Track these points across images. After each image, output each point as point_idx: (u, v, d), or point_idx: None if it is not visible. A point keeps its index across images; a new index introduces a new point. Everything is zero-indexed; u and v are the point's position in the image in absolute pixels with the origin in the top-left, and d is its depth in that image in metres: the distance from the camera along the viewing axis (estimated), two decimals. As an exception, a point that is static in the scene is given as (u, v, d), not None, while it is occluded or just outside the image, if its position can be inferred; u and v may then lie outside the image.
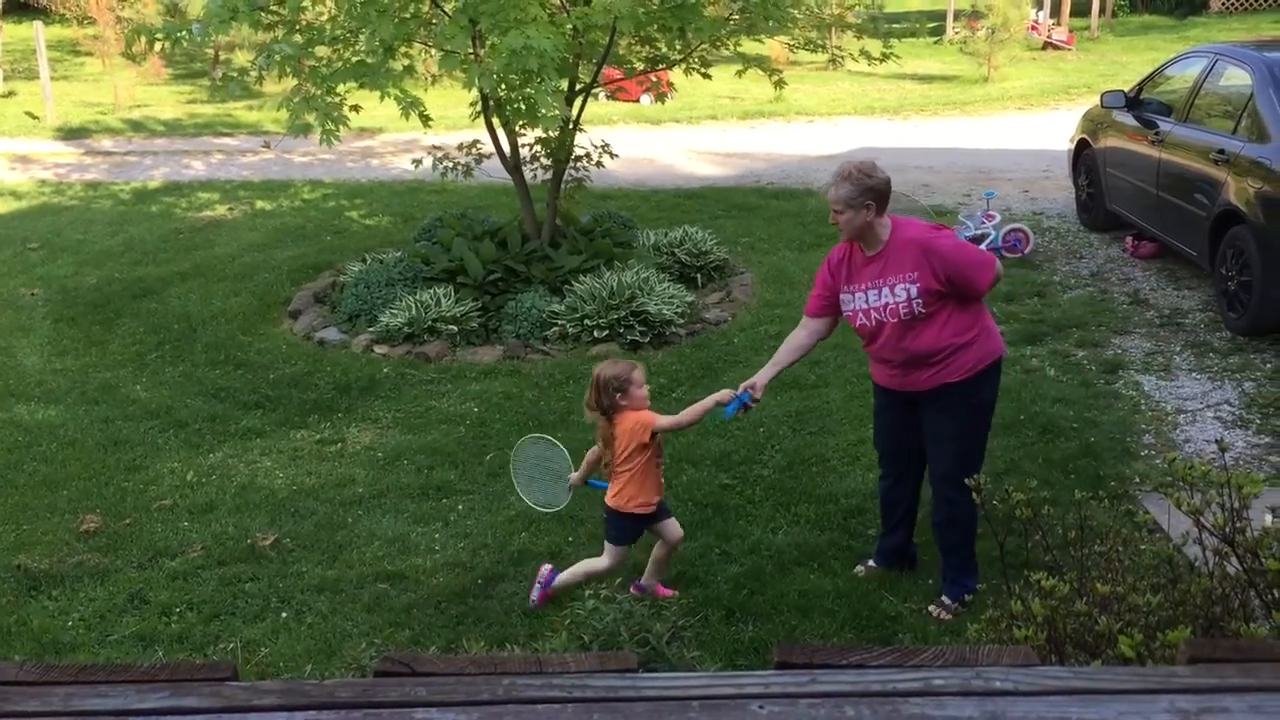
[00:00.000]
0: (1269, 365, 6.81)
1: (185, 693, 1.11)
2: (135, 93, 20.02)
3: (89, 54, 22.06)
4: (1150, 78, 9.52)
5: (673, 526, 4.73)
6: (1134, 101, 9.18)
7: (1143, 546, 3.74)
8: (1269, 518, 2.68)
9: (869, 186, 4.26)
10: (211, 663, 1.17)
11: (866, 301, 4.40)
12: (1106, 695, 1.11)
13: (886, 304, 4.34)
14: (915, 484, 4.84)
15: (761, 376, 4.54)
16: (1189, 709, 1.08)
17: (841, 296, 4.50)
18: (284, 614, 4.78)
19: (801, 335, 4.69)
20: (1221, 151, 7.46)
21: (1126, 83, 10.75)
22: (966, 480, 3.38)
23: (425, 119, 7.57)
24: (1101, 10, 24.26)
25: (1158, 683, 1.13)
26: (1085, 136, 10.09)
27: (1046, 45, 22.64)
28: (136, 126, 18.01)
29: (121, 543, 5.43)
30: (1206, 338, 7.35)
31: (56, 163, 15.40)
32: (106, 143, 16.97)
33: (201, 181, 13.85)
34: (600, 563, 4.70)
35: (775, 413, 6.49)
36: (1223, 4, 24.68)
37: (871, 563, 4.91)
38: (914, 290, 4.27)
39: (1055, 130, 13.27)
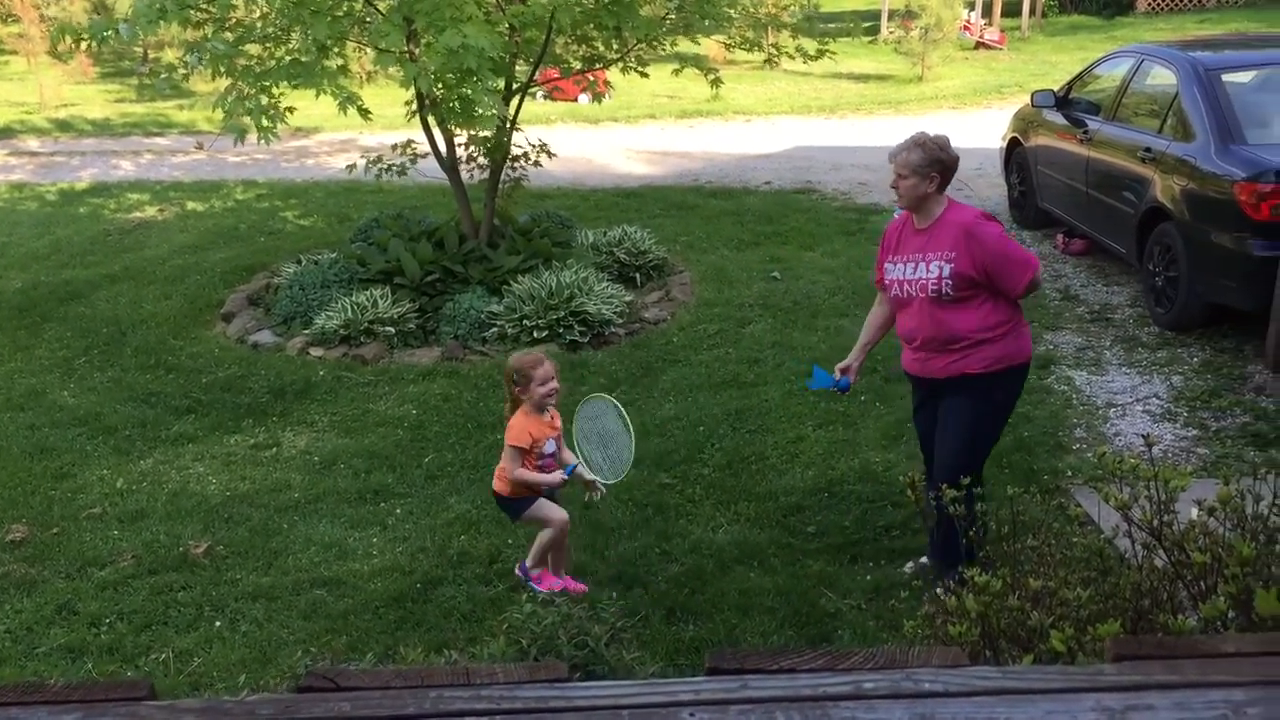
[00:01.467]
0: (1195, 359, 6.95)
1: (99, 713, 1.07)
2: (62, 92, 19.62)
3: (13, 52, 21.57)
4: (1079, 77, 9.68)
5: (549, 510, 4.73)
6: (1063, 101, 9.32)
7: (1074, 540, 3.78)
8: (1195, 511, 2.72)
9: (938, 159, 4.31)
10: (127, 681, 1.14)
11: (903, 274, 4.44)
12: (1034, 695, 1.11)
13: (920, 278, 4.37)
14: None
15: (854, 359, 4.81)
16: (1115, 707, 1.09)
17: (886, 265, 4.57)
18: (218, 623, 4.70)
19: (878, 311, 4.82)
20: (1148, 150, 7.60)
21: (1056, 82, 10.93)
22: (899, 474, 3.40)
23: (364, 113, 7.49)
24: (1032, 10, 24.65)
25: (1084, 681, 1.14)
26: (1016, 135, 10.23)
27: (979, 45, 22.96)
28: (63, 126, 17.64)
29: (49, 552, 5.31)
30: (1135, 333, 7.49)
31: (-21, 163, 15.03)
32: (32, 143, 16.60)
33: (131, 182, 13.59)
34: (541, 535, 4.72)
35: (714, 412, 6.51)
36: (1149, 4, 25.18)
37: (924, 559, 4.81)
38: (947, 270, 4.28)
39: (987, 129, 13.44)
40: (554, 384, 4.61)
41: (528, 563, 4.77)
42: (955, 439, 4.47)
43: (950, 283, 4.29)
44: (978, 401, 4.44)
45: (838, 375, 4.84)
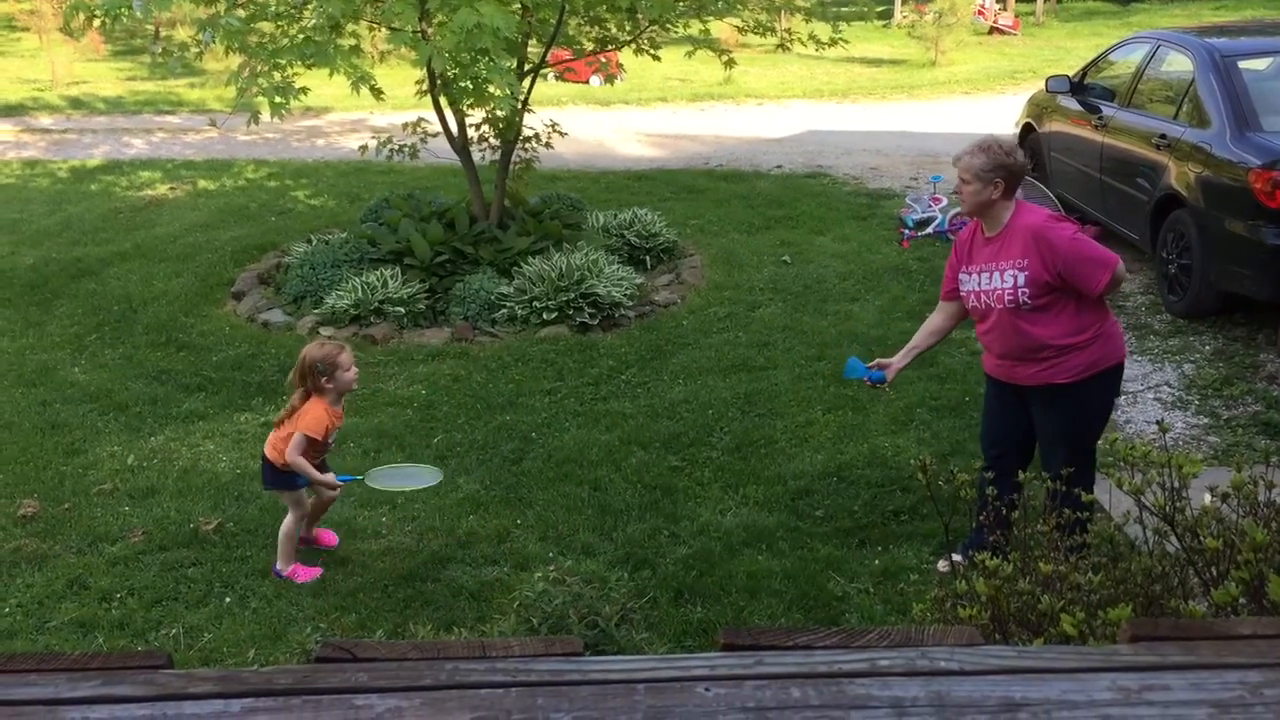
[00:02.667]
0: (1208, 347, 6.93)
1: (118, 681, 1.08)
2: (74, 69, 19.62)
3: (25, 29, 21.57)
4: (1094, 63, 9.62)
5: (304, 497, 4.92)
6: (1078, 86, 9.27)
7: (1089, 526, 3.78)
8: (1207, 497, 2.71)
9: (1003, 164, 4.14)
10: (145, 651, 1.15)
11: (978, 284, 4.30)
12: (1050, 674, 1.11)
13: (995, 289, 4.22)
14: (1012, 479, 4.58)
15: (897, 359, 4.62)
16: (1131, 686, 1.09)
17: (960, 276, 4.42)
18: (228, 599, 4.72)
19: (937, 319, 4.65)
20: (1163, 136, 7.56)
21: (1071, 68, 10.87)
22: (908, 459, 3.37)
23: (377, 92, 7.47)
24: (1047, -4, 24.53)
25: (1100, 661, 1.14)
26: (1030, 121, 10.18)
27: (993, 30, 22.85)
28: (76, 104, 17.65)
29: (60, 528, 5.33)
30: (1147, 320, 7.46)
31: (-8, 140, 15.05)
32: (45, 120, 16.63)
33: (143, 160, 13.60)
34: (286, 522, 4.87)
35: (724, 395, 6.50)
36: (1165, -9, 25.04)
37: (957, 556, 4.47)
38: (1022, 278, 4.14)
39: (1001, 115, 13.39)
40: (355, 370, 4.80)
41: (279, 566, 4.86)
42: (1059, 451, 4.29)
43: (1027, 291, 4.14)
44: (1073, 413, 4.30)
45: (872, 365, 4.68)
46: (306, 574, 4.84)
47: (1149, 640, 1.19)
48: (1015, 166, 4.18)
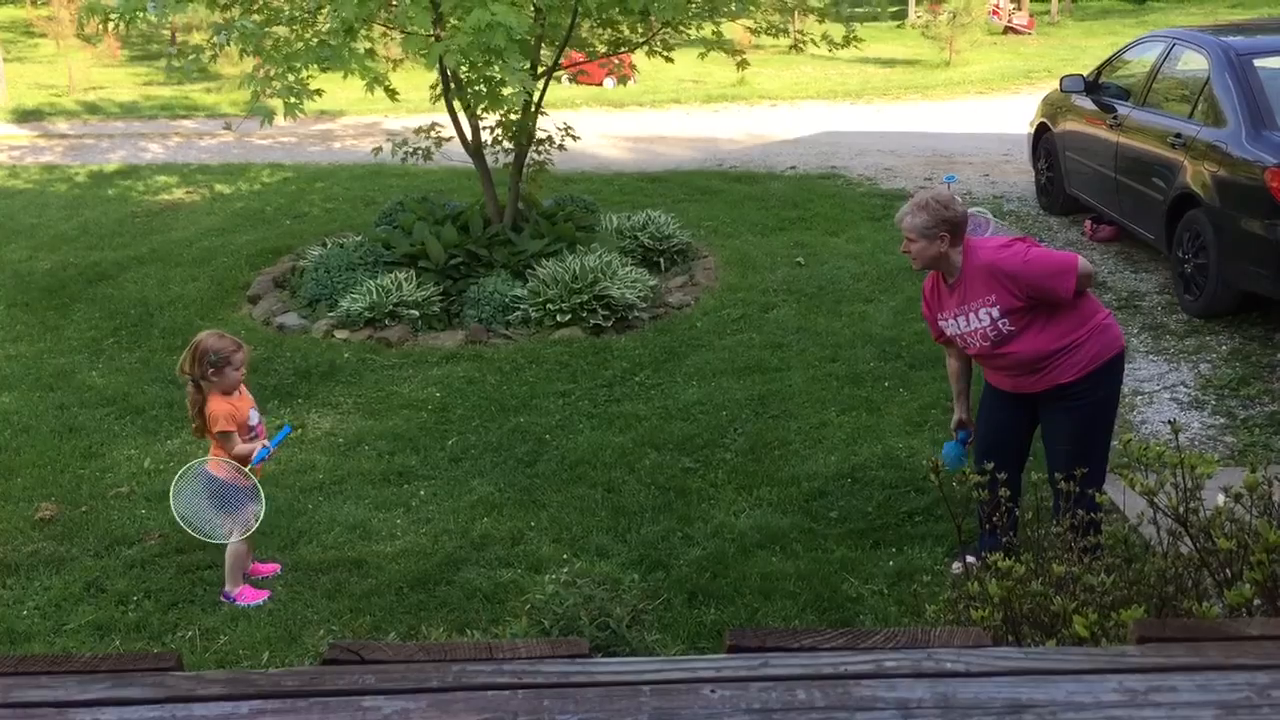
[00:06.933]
0: (1224, 347, 6.89)
1: (128, 683, 1.09)
2: (90, 74, 19.75)
3: (42, 35, 21.72)
4: (1109, 62, 9.59)
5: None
6: (1093, 86, 9.24)
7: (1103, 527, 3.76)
8: (1221, 498, 2.70)
9: (945, 218, 4.23)
10: (155, 653, 1.16)
11: (958, 328, 4.39)
12: (1057, 675, 1.11)
13: (974, 329, 4.32)
14: (1013, 483, 4.40)
15: (960, 413, 4.75)
16: (1138, 688, 1.09)
17: (939, 323, 4.52)
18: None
19: (953, 363, 4.75)
20: (1178, 135, 7.52)
21: (1086, 67, 10.84)
22: (922, 460, 3.37)
23: (391, 92, 7.49)
24: (1062, -5, 24.46)
25: (1107, 663, 1.14)
26: (1045, 120, 10.15)
27: (1007, 30, 22.80)
28: (92, 109, 17.76)
29: (78, 531, 5.36)
30: (1163, 320, 7.43)
31: (10, 145, 15.16)
32: (62, 125, 16.73)
33: (159, 164, 13.68)
34: (233, 551, 4.75)
35: (738, 396, 6.50)
36: (1181, -11, 24.93)
37: (971, 559, 4.30)
38: (995, 312, 4.22)
39: (1015, 114, 13.35)
40: (244, 372, 4.78)
41: (228, 588, 4.74)
42: (1068, 450, 4.24)
43: (1005, 321, 4.22)
44: (1079, 407, 4.33)
45: (956, 435, 4.77)
46: (254, 596, 4.73)
47: (1157, 641, 1.19)
48: (956, 219, 4.27)
